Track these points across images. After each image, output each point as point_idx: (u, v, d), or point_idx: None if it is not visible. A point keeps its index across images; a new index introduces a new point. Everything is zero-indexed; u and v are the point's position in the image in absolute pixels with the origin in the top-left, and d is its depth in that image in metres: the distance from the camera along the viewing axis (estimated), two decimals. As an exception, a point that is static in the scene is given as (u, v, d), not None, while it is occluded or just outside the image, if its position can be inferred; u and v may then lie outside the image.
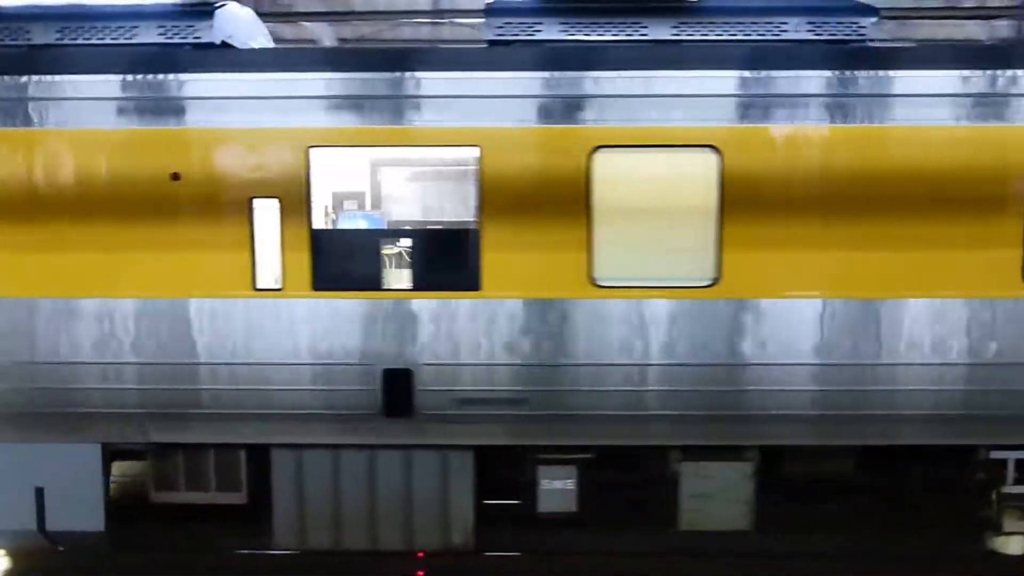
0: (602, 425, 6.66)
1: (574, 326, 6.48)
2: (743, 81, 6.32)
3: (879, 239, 6.35)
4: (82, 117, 6.34)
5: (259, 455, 7.04)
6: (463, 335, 6.48)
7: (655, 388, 6.58)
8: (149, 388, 6.61)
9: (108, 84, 6.37)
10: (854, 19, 6.71)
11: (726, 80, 6.32)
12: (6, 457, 6.80)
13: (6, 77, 6.40)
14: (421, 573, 7.59)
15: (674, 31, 6.71)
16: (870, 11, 6.75)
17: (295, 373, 6.58)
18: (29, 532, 6.91)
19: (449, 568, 7.49)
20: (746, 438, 6.80)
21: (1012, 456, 6.84)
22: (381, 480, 6.93)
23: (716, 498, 6.96)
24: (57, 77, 6.36)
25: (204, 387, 6.60)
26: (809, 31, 6.68)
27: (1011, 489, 6.85)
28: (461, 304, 6.46)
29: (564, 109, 6.34)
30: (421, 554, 7.38)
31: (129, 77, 6.38)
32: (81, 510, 6.87)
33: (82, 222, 6.46)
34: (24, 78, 6.38)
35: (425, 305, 6.48)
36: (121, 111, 6.37)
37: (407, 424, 6.68)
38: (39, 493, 6.86)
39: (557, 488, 7.11)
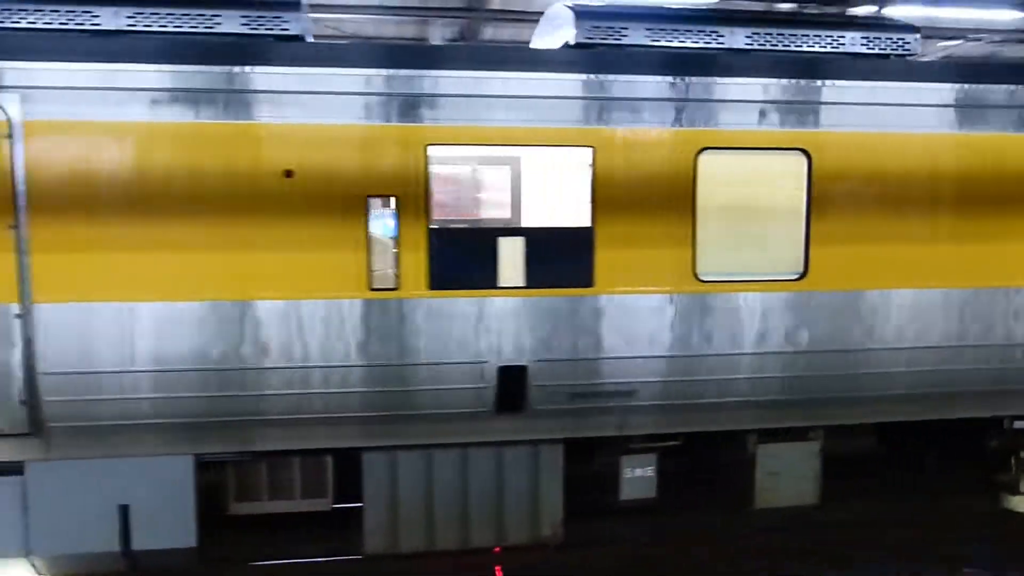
0: (699, 413, 7.03)
1: (678, 319, 6.81)
2: (828, 90, 6.88)
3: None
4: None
5: (345, 460, 6.91)
6: (580, 331, 6.65)
7: (746, 376, 7.03)
8: (258, 395, 6.32)
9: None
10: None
11: (817, 89, 6.86)
12: (85, 474, 6.29)
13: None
14: (499, 569, 7.66)
15: (748, 41, 7.17)
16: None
17: (408, 374, 6.51)
18: (111, 553, 6.43)
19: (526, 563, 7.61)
20: (816, 419, 7.39)
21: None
22: (474, 477, 6.96)
23: (786, 476, 7.53)
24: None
25: (316, 391, 6.40)
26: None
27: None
28: (577, 301, 6.64)
29: (675, 112, 6.65)
30: (498, 549, 7.46)
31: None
32: (172, 526, 6.46)
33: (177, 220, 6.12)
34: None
35: (541, 302, 6.60)
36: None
37: (516, 420, 6.77)
38: (123, 511, 6.39)
39: (638, 476, 7.43)
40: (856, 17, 7.63)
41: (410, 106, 6.30)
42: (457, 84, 6.37)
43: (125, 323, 6.10)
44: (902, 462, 8.16)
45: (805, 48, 7.27)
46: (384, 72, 6.25)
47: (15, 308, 5.98)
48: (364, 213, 6.31)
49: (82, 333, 6.06)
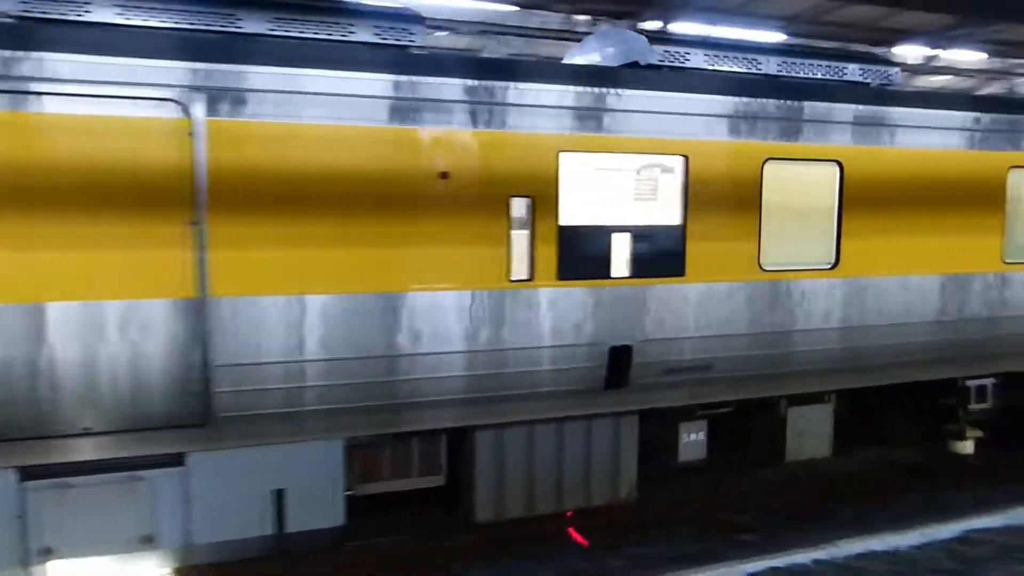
0: (752, 383, 8.33)
1: (746, 304, 8.06)
2: (858, 113, 8.39)
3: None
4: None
5: (457, 438, 7.56)
6: (673, 314, 7.72)
7: (790, 350, 8.40)
8: (410, 379, 6.83)
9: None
10: None
11: (847, 111, 8.34)
12: (244, 462, 6.54)
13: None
14: (572, 530, 8.56)
15: (778, 68, 8.52)
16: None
17: (535, 357, 7.29)
18: (266, 536, 6.70)
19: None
20: (831, 385, 8.93)
21: (974, 384, 9.83)
22: (568, 449, 7.85)
23: (812, 433, 9.03)
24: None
25: (461, 374, 7.01)
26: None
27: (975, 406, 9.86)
28: (669, 288, 7.70)
29: (748, 127, 7.85)
30: (570, 513, 8.38)
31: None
32: (323, 507, 6.84)
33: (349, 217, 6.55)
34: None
35: (648, 290, 7.62)
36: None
37: (620, 395, 7.74)
38: (278, 495, 6.69)
39: (693, 441, 8.63)
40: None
41: (548, 116, 7.06)
42: (589, 99, 7.24)
43: (294, 315, 6.42)
44: (886, 419, 9.95)
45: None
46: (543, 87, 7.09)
47: (194, 303, 6.13)
48: (505, 213, 7.00)
49: (254, 326, 6.31)
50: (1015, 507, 8.14)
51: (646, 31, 9.61)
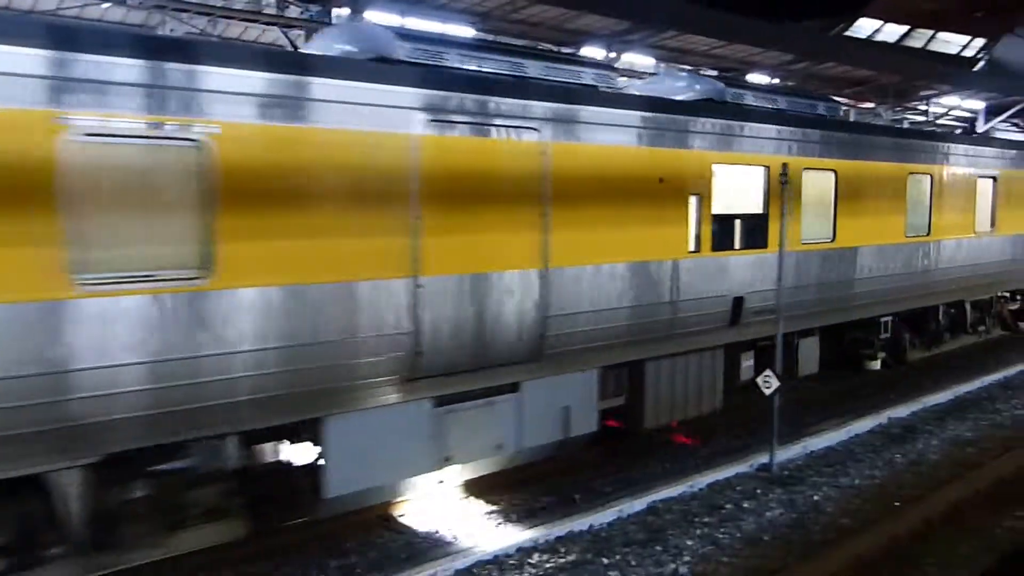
0: (796, 321, 11.78)
1: (793, 266, 11.80)
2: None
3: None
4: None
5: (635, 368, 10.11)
6: (759, 276, 11.17)
7: (805, 298, 12.14)
8: (638, 322, 9.67)
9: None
10: None
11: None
12: (553, 387, 9.03)
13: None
14: (675, 423, 11.10)
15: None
16: None
17: (696, 307, 10.36)
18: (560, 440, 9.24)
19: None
20: (818, 323, 12.76)
21: (887, 319, 14.50)
22: (691, 373, 10.79)
23: (808, 357, 12.97)
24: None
25: (665, 318, 9.99)
26: None
27: (882, 336, 14.56)
28: (758, 257, 11.23)
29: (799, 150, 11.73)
30: (675, 423, 11.40)
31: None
32: (587, 418, 9.48)
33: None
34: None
35: (745, 258, 11.08)
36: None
37: (733, 330, 11.08)
38: (565, 411, 9.23)
39: (747, 366, 11.89)
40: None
41: (707, 139, 10.34)
42: (729, 128, 10.65)
43: (591, 280, 9.09)
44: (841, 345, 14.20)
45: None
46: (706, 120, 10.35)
47: (539, 272, 8.60)
48: (687, 204, 10.17)
49: (570, 287, 8.87)
50: (694, 476, 9.39)
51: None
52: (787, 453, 10.24)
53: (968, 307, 16.09)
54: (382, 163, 7.28)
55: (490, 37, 22.00)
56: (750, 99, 11.70)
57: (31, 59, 5.59)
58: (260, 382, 6.72)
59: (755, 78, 24.08)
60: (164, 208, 6.22)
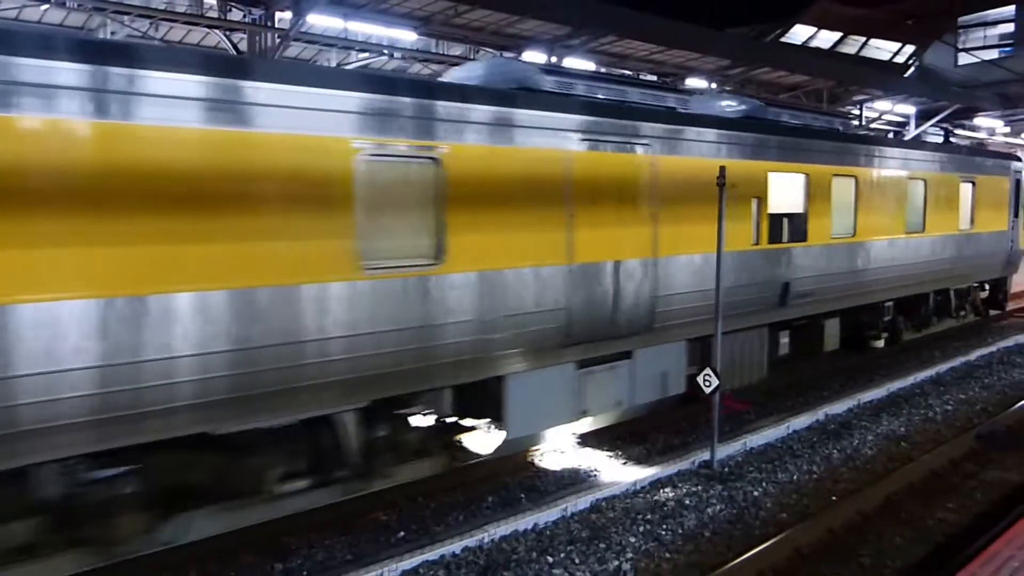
0: (821, 304, 13.62)
1: (826, 256, 13.48)
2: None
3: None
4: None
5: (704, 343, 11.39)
6: (801, 265, 12.85)
7: (834, 284, 13.81)
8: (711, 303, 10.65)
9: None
10: None
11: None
12: (657, 354, 10.79)
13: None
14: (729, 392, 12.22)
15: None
16: None
17: (755, 291, 12.02)
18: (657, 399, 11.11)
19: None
20: (840, 305, 14.27)
21: (889, 304, 15.92)
22: (746, 347, 12.29)
23: (832, 335, 14.26)
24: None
25: (731, 300, 11.06)
26: None
27: (887, 317, 15.96)
28: (802, 249, 12.93)
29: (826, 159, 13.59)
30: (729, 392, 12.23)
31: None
32: (678, 382, 11.16)
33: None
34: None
35: (792, 250, 12.78)
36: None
37: (781, 310, 12.72)
38: (664, 375, 10.95)
39: (784, 342, 13.40)
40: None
41: (765, 150, 12.19)
42: (784, 143, 12.58)
43: (685, 267, 10.87)
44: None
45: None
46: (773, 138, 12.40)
47: (651, 260, 10.41)
48: (751, 205, 11.92)
49: (671, 273, 10.67)
50: (636, 473, 9.49)
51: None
52: (728, 450, 10.37)
53: (952, 294, 18.06)
54: (549, 174, 9.11)
55: (433, 43, 22.05)
56: (768, 114, 13.60)
57: (343, 99, 7.35)
58: (466, 347, 8.35)
59: (693, 82, 24.48)
60: (413, 210, 7.90)
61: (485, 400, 8.88)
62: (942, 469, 10.17)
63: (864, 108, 30.11)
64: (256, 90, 6.79)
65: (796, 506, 8.99)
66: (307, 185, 7.07)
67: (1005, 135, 32.74)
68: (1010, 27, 35.95)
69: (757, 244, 12.01)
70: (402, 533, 8.30)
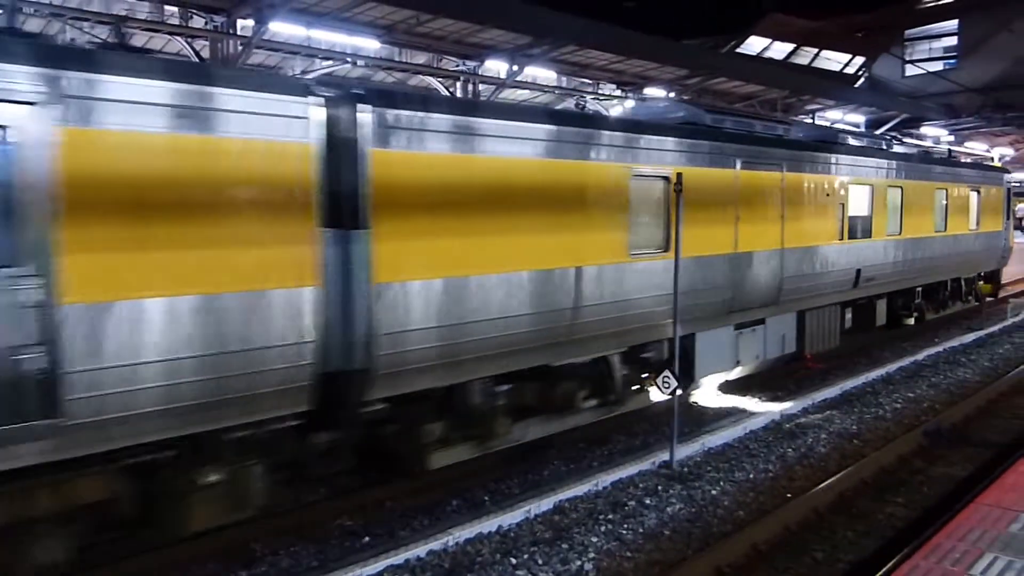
0: (884, 287, 17.17)
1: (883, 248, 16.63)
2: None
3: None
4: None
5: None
6: (868, 256, 16.04)
7: (879, 274, 16.77)
8: (809, 284, 14.37)
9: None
10: None
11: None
12: (777, 322, 13.95)
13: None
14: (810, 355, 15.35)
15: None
16: None
17: (839, 275, 15.15)
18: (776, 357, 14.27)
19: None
20: (877, 292, 17.08)
21: (919, 288, 19.37)
22: (826, 320, 15.38)
23: (881, 312, 17.60)
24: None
25: (822, 282, 14.78)
26: None
27: (917, 300, 19.23)
28: (869, 243, 16.09)
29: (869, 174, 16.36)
30: (810, 355, 15.26)
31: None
32: (790, 344, 14.44)
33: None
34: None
35: (863, 244, 15.86)
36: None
37: (854, 291, 16.01)
38: (784, 337, 14.23)
39: (848, 317, 16.52)
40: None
41: (845, 168, 15.36)
42: (859, 162, 15.86)
43: (800, 256, 13.96)
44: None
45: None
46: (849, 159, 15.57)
47: (778, 250, 13.44)
48: (837, 209, 15.05)
49: (794, 260, 13.81)
50: (597, 475, 9.58)
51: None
52: (687, 450, 10.62)
53: (963, 282, 21.89)
54: (726, 187, 12.31)
55: (396, 50, 22.13)
56: (842, 138, 16.88)
57: (629, 139, 10.70)
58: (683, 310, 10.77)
59: (651, 91, 24.90)
60: (656, 212, 11.13)
61: (683, 351, 11.58)
62: (892, 465, 10.53)
63: (816, 117, 30.89)
64: (599, 135, 10.22)
65: (753, 504, 9.25)
66: (609, 194, 10.30)
67: (949, 143, 33.85)
68: (954, 40, 37.20)
69: (842, 239, 15.26)
70: (367, 538, 8.35)
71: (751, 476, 10.05)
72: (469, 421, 9.23)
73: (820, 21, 33.30)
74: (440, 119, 8.24)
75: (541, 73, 22.65)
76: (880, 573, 6.89)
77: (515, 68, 20.90)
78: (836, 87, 31.01)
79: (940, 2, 35.00)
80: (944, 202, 19.53)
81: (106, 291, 6.03)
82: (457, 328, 8.46)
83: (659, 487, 9.51)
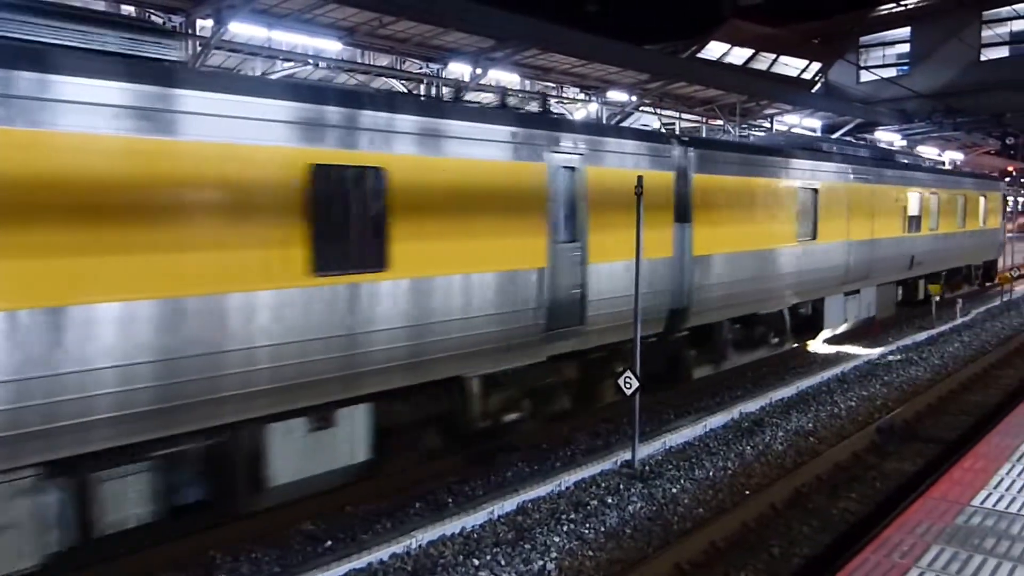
0: (926, 269, 22.62)
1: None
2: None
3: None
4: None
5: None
6: (918, 245, 21.53)
7: (929, 259, 22.62)
8: (879, 266, 19.51)
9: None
10: None
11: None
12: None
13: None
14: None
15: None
16: None
17: (902, 260, 20.46)
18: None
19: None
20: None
21: (944, 272, 24.57)
22: (887, 294, 20.52)
23: (920, 289, 23.04)
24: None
25: (887, 265, 19.93)
26: None
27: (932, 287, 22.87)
28: (918, 236, 21.60)
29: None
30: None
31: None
32: (872, 309, 19.73)
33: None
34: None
35: (915, 236, 21.31)
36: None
37: (908, 272, 21.34)
38: (871, 303, 19.75)
39: (899, 291, 21.93)
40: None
41: (898, 179, 20.40)
42: (912, 176, 21.39)
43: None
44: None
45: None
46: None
47: (869, 240, 18.78)
48: (901, 210, 20.59)
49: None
50: (560, 475, 9.60)
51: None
52: (648, 449, 10.77)
53: (972, 269, 27.33)
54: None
55: (359, 52, 22.00)
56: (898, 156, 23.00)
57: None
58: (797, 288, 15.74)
59: (613, 95, 25.13)
60: (806, 212, 15.97)
61: (813, 313, 17.13)
62: (846, 462, 10.81)
63: (774, 121, 31.41)
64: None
65: (712, 501, 9.43)
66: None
67: (903, 147, 34.69)
68: (906, 47, 38.13)
69: (903, 233, 20.35)
70: (329, 542, 8.34)
71: (711, 474, 10.23)
72: (713, 348, 14.18)
73: (778, 28, 33.88)
74: (730, 155, 13.86)
75: (505, 77, 22.69)
76: (832, 567, 7.06)
77: (478, 71, 20.92)
78: (793, 92, 31.57)
79: (893, 10, 35.82)
80: (964, 205, 25.28)
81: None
82: (732, 284, 13.82)
83: (621, 486, 9.64)
